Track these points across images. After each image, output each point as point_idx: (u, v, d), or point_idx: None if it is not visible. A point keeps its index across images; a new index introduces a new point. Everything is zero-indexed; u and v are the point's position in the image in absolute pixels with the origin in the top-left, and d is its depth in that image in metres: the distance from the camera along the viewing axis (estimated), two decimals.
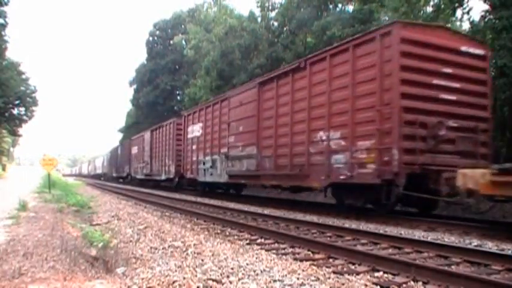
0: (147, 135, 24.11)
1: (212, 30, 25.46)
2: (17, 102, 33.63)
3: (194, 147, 15.93)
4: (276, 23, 22.07)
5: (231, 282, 3.52)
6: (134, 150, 27.48)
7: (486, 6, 11.50)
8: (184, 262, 4.29)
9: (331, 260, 4.76)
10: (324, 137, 8.82)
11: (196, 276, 3.68)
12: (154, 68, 37.41)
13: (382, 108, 7.53)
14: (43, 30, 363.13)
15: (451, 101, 7.90)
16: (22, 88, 33.83)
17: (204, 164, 14.84)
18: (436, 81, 7.75)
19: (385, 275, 4.04)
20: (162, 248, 5.20)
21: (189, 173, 16.60)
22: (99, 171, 48.59)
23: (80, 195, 13.88)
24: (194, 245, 5.31)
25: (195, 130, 16.04)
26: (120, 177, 33.73)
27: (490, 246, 5.47)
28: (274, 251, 5.14)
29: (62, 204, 10.22)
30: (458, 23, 14.84)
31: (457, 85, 7.96)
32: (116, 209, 10.67)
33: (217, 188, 16.65)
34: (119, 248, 5.15)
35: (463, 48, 8.11)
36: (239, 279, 3.61)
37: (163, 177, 20.56)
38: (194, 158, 15.85)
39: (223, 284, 3.48)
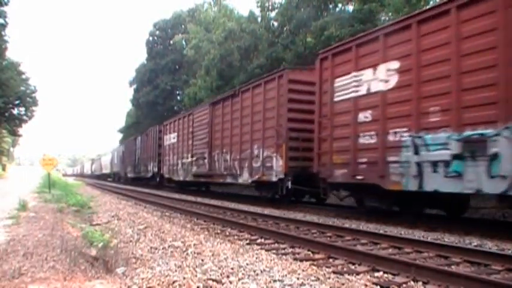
0: (202, 112, 15.56)
1: (212, 31, 25.47)
2: (17, 102, 33.68)
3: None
4: (275, 23, 22.07)
5: (231, 282, 3.52)
6: (170, 139, 19.43)
7: None
8: (184, 262, 4.29)
9: (331, 260, 4.76)
10: None
11: (196, 276, 3.68)
12: (154, 68, 37.42)
13: None
14: (43, 30, 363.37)
15: None
16: (22, 88, 33.87)
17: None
18: None
19: (385, 275, 4.04)
20: (162, 248, 5.20)
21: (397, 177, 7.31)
22: (106, 170, 42.17)
23: (80, 195, 13.87)
24: (194, 245, 5.31)
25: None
26: (140, 178, 25.74)
27: (490, 246, 5.48)
28: (274, 251, 5.14)
29: (62, 204, 10.21)
30: None
31: None
32: (116, 209, 10.66)
33: None
34: (119, 248, 5.14)
35: None
36: (239, 279, 3.61)
37: (244, 178, 12.27)
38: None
39: (223, 284, 3.48)
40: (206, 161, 14.69)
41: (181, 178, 17.81)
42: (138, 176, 26.04)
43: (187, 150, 16.92)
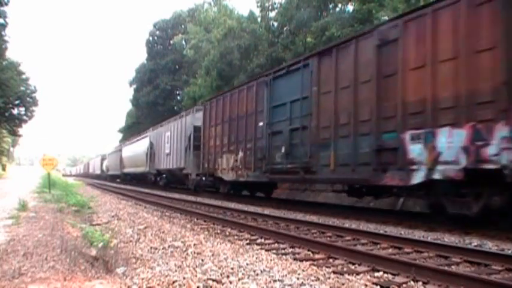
0: None
1: (212, 31, 25.48)
2: (17, 102, 33.73)
3: None
4: (275, 23, 22.07)
5: (231, 282, 3.51)
6: None
7: None
8: (184, 262, 4.29)
9: (331, 260, 4.75)
10: None
11: (196, 276, 3.68)
12: (154, 68, 37.47)
13: None
14: (43, 30, 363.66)
15: None
16: (22, 88, 33.94)
17: None
18: None
19: (385, 275, 4.03)
20: (162, 248, 5.19)
21: None
22: (136, 168, 26.18)
23: (80, 195, 13.86)
24: (194, 245, 5.30)
25: None
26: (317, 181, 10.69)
27: (490, 246, 5.48)
28: (274, 251, 5.14)
29: (62, 204, 10.21)
30: None
31: None
32: (116, 209, 10.66)
33: None
34: (119, 248, 5.14)
35: None
36: (239, 279, 3.61)
37: None
38: None
39: (223, 284, 3.48)
40: None
41: None
42: (295, 175, 10.36)
43: None
